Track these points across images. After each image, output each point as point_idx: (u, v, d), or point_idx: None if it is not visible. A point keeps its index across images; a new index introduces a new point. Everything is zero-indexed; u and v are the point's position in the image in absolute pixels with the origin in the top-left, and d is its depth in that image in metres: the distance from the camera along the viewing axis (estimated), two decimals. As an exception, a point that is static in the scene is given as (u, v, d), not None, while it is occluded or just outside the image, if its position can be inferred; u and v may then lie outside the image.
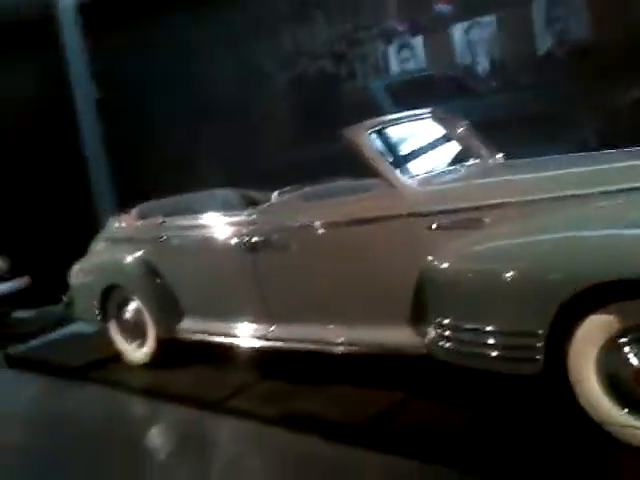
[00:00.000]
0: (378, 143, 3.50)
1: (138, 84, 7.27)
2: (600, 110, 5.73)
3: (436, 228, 3.09)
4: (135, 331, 4.63)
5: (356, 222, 3.38)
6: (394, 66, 6.80)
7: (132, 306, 4.61)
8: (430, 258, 3.03)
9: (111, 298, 4.72)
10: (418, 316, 3.14)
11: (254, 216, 3.90)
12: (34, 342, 5.82)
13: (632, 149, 3.25)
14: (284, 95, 7.02)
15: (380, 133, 3.58)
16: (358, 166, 3.57)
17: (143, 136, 7.20)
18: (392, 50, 6.77)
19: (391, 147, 3.60)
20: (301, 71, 7.01)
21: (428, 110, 4.06)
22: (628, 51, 5.59)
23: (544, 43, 6.04)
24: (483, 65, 6.39)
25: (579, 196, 2.79)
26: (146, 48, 7.23)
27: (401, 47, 6.75)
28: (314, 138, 6.39)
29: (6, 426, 4.39)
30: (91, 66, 7.35)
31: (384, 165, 3.37)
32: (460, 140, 4.01)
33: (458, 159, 3.84)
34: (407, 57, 6.76)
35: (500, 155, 4.01)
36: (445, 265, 2.98)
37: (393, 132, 3.69)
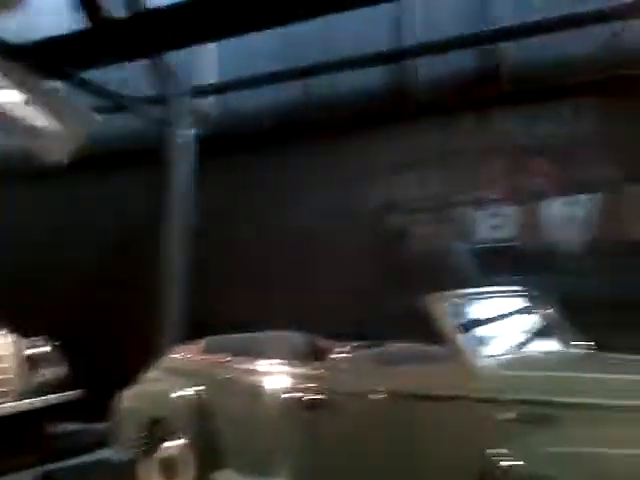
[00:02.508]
0: (458, 316, 3.36)
1: (238, 214, 7.54)
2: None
3: (505, 419, 2.85)
4: (170, 470, 4.37)
5: (420, 397, 3.19)
6: (484, 231, 6.75)
7: (173, 443, 4.37)
8: (497, 452, 2.76)
9: (154, 431, 4.51)
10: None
11: (319, 371, 3.77)
12: (69, 462, 5.61)
13: None
14: (370, 244, 7.05)
15: (462, 306, 3.47)
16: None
17: (229, 268, 7.36)
18: (483, 216, 6.76)
19: (470, 322, 3.42)
20: (390, 223, 7.09)
21: (515, 288, 3.92)
22: None
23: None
24: (574, 244, 6.23)
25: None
26: (248, 183, 7.56)
27: (494, 214, 6.72)
28: (397, 292, 6.29)
29: None
30: (195, 196, 7.63)
31: (459, 341, 3.21)
32: (544, 323, 3.80)
33: (541, 343, 3.62)
34: (498, 224, 6.71)
35: (585, 343, 3.77)
36: (517, 463, 2.70)
37: (475, 306, 3.55)
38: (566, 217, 6.27)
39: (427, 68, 6.92)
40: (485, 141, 6.60)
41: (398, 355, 3.73)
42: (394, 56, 7.04)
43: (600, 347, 3.73)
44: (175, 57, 7.25)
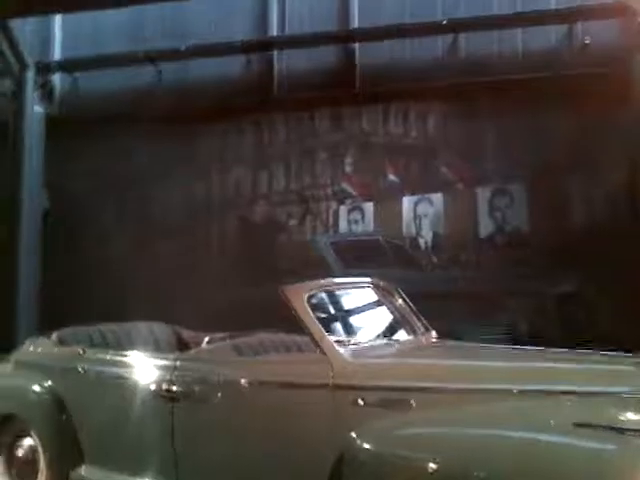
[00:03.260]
0: (315, 307, 3.47)
1: (87, 199, 7.28)
2: (530, 298, 6.00)
3: (362, 404, 3.01)
4: (25, 471, 4.13)
5: (282, 385, 3.27)
6: (343, 225, 7.04)
7: (27, 442, 4.14)
8: (353, 435, 2.93)
9: (6, 429, 4.26)
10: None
11: (179, 362, 3.71)
12: None
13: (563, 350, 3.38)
14: (235, 233, 7.10)
15: (319, 296, 3.58)
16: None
17: (84, 250, 7.09)
18: (344, 210, 7.04)
19: (328, 312, 3.59)
20: (255, 214, 7.17)
21: (369, 279, 4.11)
22: (562, 248, 5.96)
23: (486, 228, 6.40)
24: (425, 238, 6.67)
25: (505, 391, 2.81)
26: (100, 167, 7.32)
27: (352, 209, 7.03)
28: (258, 282, 6.40)
29: None
30: (46, 176, 7.31)
31: (318, 331, 3.32)
32: (397, 313, 4.03)
33: (393, 333, 3.86)
34: (357, 219, 7.02)
35: (433, 333, 4.05)
36: (367, 446, 2.87)
37: (332, 297, 3.70)
38: (417, 213, 6.69)
39: (290, 62, 7.05)
40: (342, 137, 6.87)
41: (261, 345, 3.80)
42: (250, 47, 7.09)
43: (447, 336, 4.04)
44: (21, 30, 6.86)
